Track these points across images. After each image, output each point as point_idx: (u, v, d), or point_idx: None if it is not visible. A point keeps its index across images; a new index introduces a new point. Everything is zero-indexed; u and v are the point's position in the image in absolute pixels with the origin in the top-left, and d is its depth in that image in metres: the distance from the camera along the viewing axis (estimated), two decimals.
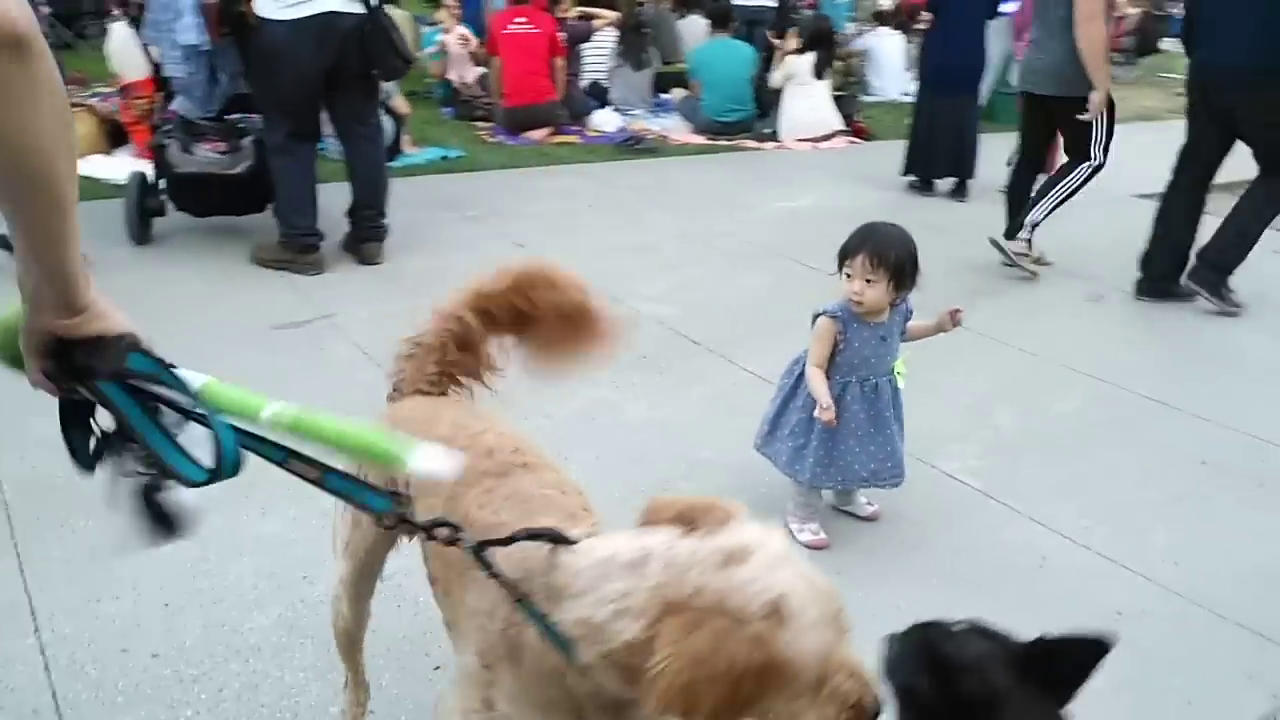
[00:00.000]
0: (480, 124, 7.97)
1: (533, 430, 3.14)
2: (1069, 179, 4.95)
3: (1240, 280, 4.62)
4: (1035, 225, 4.97)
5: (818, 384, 2.58)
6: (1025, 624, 2.41)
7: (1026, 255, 4.98)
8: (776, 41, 8.38)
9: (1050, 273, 5.17)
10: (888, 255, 2.47)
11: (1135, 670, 2.18)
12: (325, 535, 2.52)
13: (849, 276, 2.52)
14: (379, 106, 4.67)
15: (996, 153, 6.96)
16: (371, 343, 3.74)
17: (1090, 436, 3.40)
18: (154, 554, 2.42)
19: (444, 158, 6.75)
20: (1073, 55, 4.56)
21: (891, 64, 11.16)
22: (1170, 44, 16.91)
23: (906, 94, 11.08)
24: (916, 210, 6.37)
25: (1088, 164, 4.89)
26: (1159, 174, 7.70)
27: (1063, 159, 5.15)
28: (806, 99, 8.02)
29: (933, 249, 5.25)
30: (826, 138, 8.17)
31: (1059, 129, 5.06)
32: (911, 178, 6.84)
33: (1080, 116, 4.69)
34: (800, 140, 8.09)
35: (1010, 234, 5.01)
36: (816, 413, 2.57)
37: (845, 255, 2.54)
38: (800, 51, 8.00)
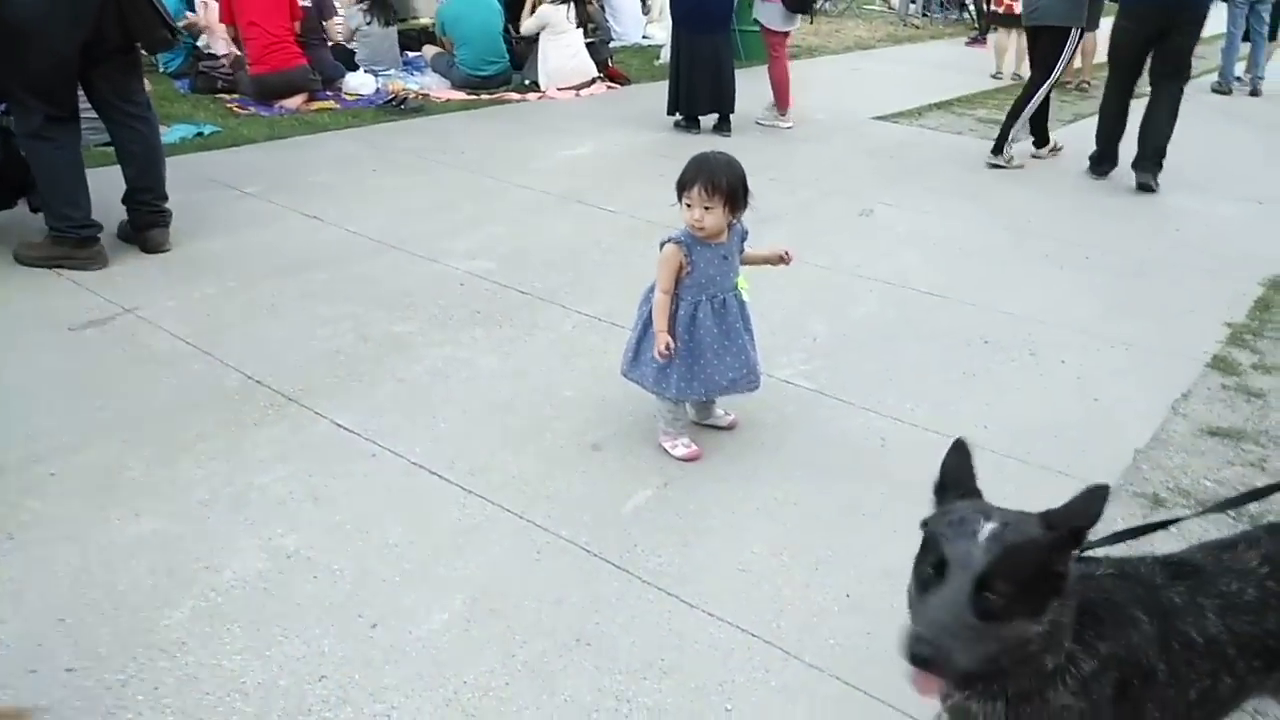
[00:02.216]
0: (224, 96, 7.48)
1: (387, 395, 3.21)
2: (1036, 93, 6.35)
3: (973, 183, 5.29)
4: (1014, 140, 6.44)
5: (660, 314, 2.79)
6: (880, 496, 2.77)
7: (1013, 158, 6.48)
8: None
9: (821, 192, 5.68)
10: (720, 182, 2.69)
11: None
12: (212, 523, 2.49)
13: (689, 206, 2.72)
14: (142, 82, 4.32)
15: (750, 87, 7.45)
16: (192, 331, 3.56)
17: (890, 332, 3.85)
18: (29, 574, 2.29)
19: (199, 134, 6.32)
20: None
21: (630, 9, 11.50)
22: None
23: (647, 37, 11.51)
24: (688, 147, 6.61)
25: (1048, 79, 6.29)
26: (890, 98, 8.61)
27: None
28: (565, 48, 8.15)
29: None
30: (586, 85, 8.35)
31: (1035, 49, 6.38)
32: (677, 117, 7.18)
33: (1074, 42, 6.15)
34: (562, 89, 8.22)
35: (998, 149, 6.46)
36: (656, 348, 2.77)
37: (683, 186, 2.73)
38: (557, 1, 8.10)
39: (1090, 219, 5.42)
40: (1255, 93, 9.95)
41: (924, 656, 1.23)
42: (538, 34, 8.22)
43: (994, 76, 10.24)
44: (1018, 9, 9.89)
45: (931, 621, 1.26)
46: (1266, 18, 9.72)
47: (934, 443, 3.03)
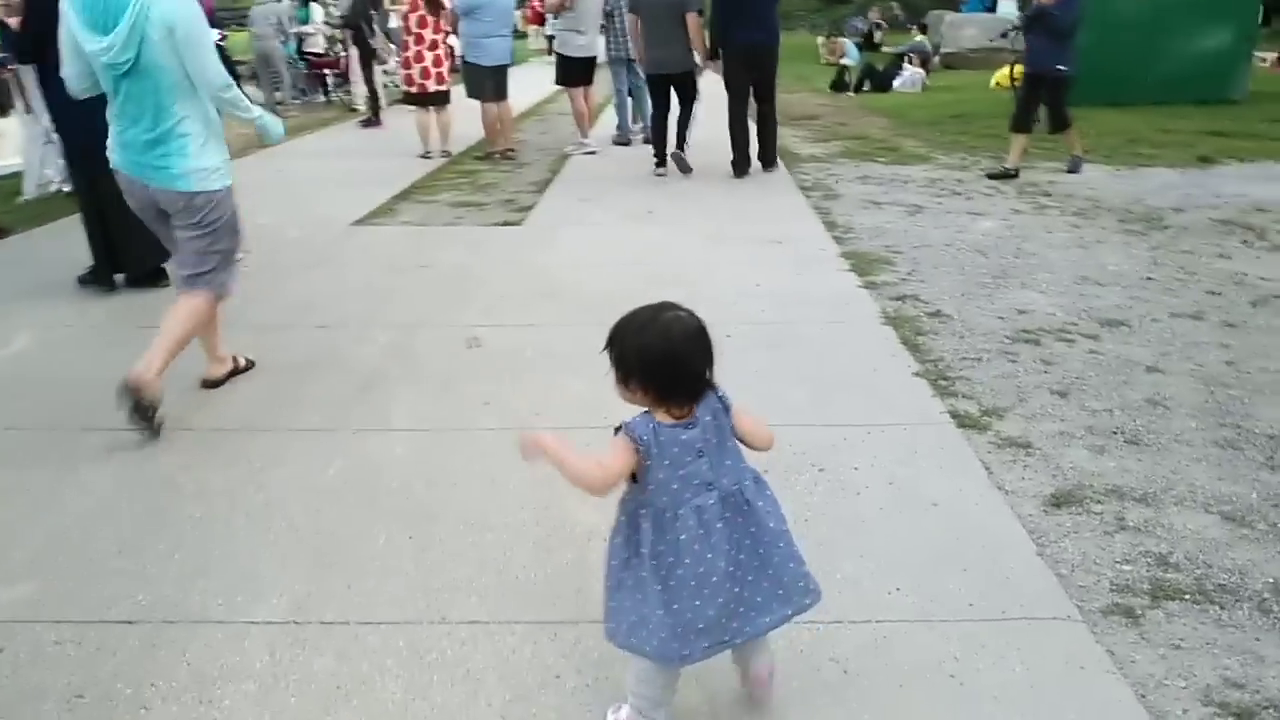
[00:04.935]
0: None
1: None
2: (693, 116, 8.41)
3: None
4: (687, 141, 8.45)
5: None
6: None
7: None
8: None
9: (403, 331, 4.54)
10: None
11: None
12: None
13: None
14: None
15: None
16: None
17: None
18: None
19: None
20: (686, 49, 8.14)
21: None
22: None
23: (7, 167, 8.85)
24: (133, 311, 4.95)
25: (694, 103, 8.41)
26: (348, 198, 7.58)
27: None
28: None
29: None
30: None
31: (679, 90, 8.39)
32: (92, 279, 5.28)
33: (699, 77, 8.39)
34: None
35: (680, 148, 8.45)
36: None
37: None
38: None
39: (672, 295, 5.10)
40: (648, 140, 10.88)
41: None
42: None
43: (424, 156, 9.75)
44: (431, 87, 9.62)
45: None
46: (641, 73, 10.65)
47: (880, 637, 2.32)
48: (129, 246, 5.19)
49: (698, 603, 1.83)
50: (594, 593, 2.12)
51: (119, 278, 5.32)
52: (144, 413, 3.33)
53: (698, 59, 8.21)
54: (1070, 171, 8.22)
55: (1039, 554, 2.69)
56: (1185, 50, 11.73)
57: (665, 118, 8.47)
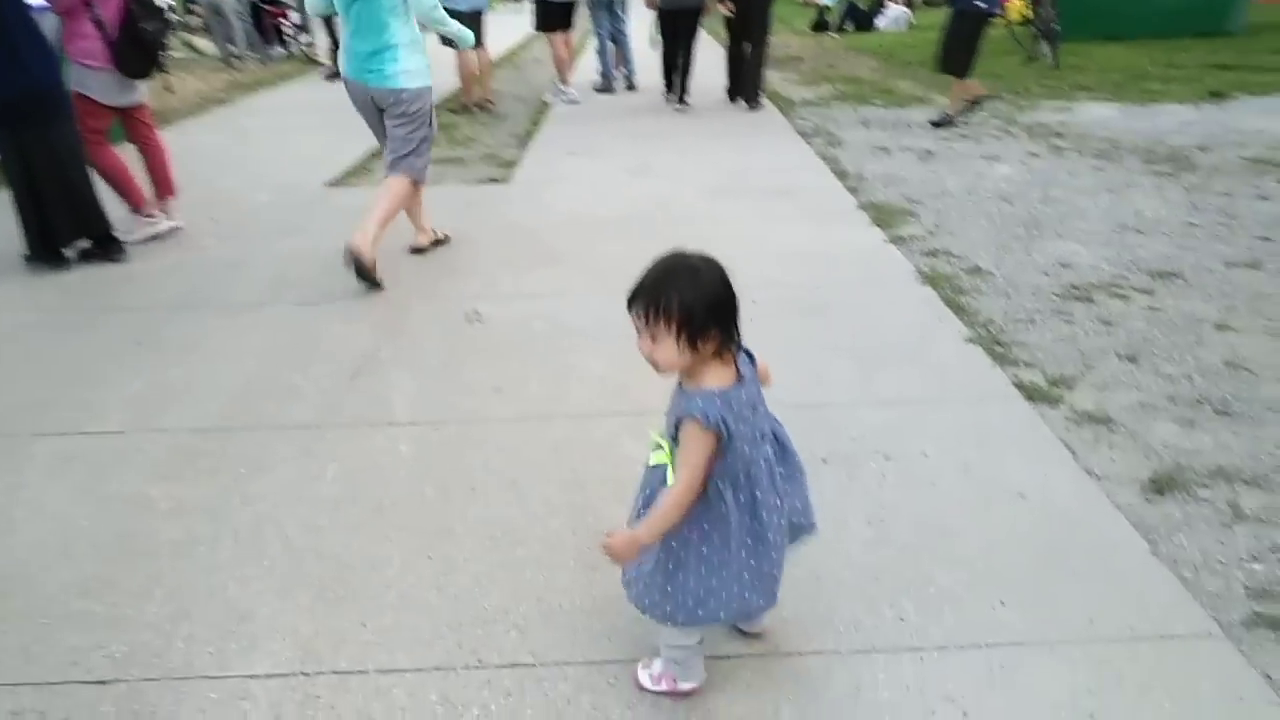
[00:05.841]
0: None
1: None
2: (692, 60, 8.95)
3: None
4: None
5: None
6: None
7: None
8: None
9: (398, 307, 4.12)
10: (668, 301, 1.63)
11: None
12: None
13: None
14: None
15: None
16: None
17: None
18: None
19: None
20: None
21: None
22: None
23: None
24: (90, 291, 4.50)
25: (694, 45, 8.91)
26: (317, 158, 7.03)
27: None
28: None
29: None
30: None
31: (685, 29, 8.69)
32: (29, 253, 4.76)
33: (722, 11, 8.54)
34: None
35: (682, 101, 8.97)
36: None
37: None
38: None
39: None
40: (632, 87, 10.37)
41: None
42: None
43: None
44: None
45: None
46: (625, 16, 10.09)
47: (996, 666, 1.97)
48: (62, 215, 4.69)
49: (774, 554, 1.81)
50: (651, 620, 1.80)
51: (71, 254, 4.81)
52: (367, 274, 4.21)
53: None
54: (933, 123, 7.61)
55: (1153, 553, 2.35)
56: None
57: (675, 53, 8.86)
